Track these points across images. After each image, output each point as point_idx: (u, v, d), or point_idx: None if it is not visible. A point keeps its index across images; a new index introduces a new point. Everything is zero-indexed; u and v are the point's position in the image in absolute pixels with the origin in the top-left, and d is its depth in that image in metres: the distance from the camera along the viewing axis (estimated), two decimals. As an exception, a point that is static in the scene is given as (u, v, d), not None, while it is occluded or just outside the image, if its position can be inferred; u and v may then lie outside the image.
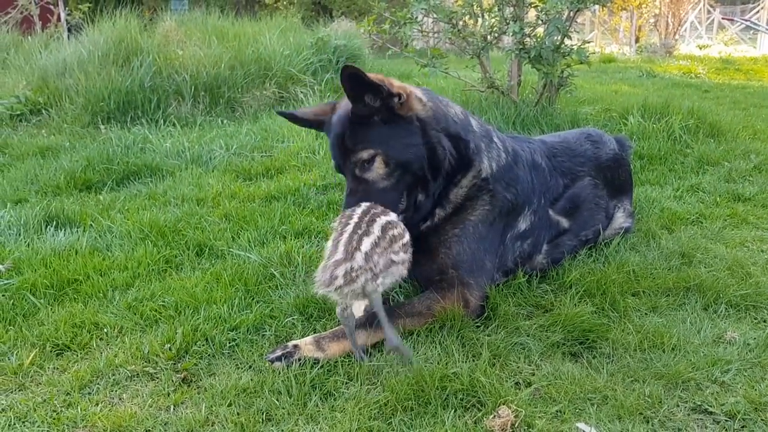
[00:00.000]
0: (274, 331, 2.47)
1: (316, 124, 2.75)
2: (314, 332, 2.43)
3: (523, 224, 2.76)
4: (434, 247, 2.58)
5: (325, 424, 1.94)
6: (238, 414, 1.99)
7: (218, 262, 3.04)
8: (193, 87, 6.46)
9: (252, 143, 5.11)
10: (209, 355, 2.33)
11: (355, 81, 2.32)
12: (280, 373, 2.17)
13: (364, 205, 2.22)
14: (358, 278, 1.99)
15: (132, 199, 4.02)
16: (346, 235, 2.06)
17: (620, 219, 3.20)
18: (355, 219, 2.13)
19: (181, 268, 3.02)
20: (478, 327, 2.43)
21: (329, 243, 2.11)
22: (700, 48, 17.13)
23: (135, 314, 2.60)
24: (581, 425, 1.91)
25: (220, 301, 2.65)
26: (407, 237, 2.17)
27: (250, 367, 2.26)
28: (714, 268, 2.85)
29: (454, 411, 1.96)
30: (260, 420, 1.97)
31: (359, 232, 2.07)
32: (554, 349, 2.30)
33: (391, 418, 1.95)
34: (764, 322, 2.46)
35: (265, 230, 3.38)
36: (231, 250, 3.15)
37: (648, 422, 1.93)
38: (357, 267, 1.99)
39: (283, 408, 2.01)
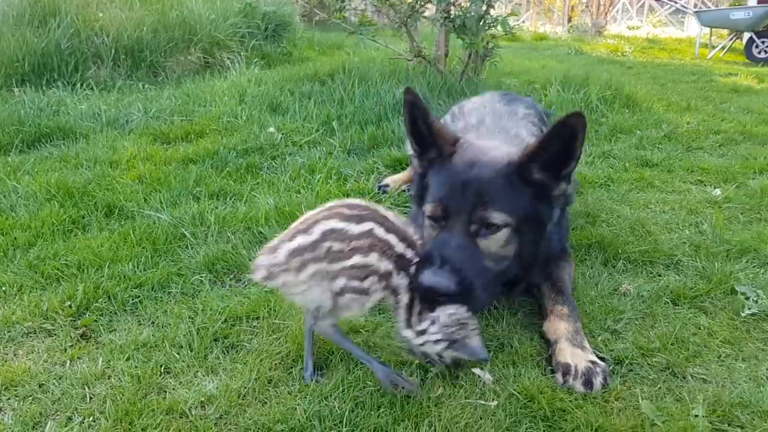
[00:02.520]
0: (181, 288, 2.44)
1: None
2: (222, 289, 2.42)
3: None
4: None
5: (225, 375, 1.94)
6: (136, 367, 1.96)
7: (127, 223, 2.97)
8: (113, 50, 6.22)
9: (172, 107, 4.98)
10: (110, 312, 2.29)
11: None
12: (182, 327, 2.15)
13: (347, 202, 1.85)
14: (277, 277, 1.72)
15: (42, 162, 3.87)
16: (294, 223, 1.79)
17: None
18: (316, 210, 1.81)
19: (88, 229, 2.94)
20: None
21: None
22: (630, 29, 17.53)
23: (36, 273, 2.53)
24: (476, 370, 1.96)
25: (126, 260, 2.60)
26: (358, 260, 1.70)
27: (152, 323, 2.23)
28: (616, 227, 2.96)
29: (351, 360, 1.99)
30: (158, 373, 1.95)
31: (300, 227, 1.76)
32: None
33: (291, 367, 1.97)
34: (659, 276, 2.57)
35: (178, 191, 3.31)
36: (141, 210, 3.07)
37: (539, 367, 2.00)
38: (276, 263, 1.71)
39: (183, 361, 2.00)
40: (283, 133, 4.33)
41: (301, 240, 1.70)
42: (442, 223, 2.06)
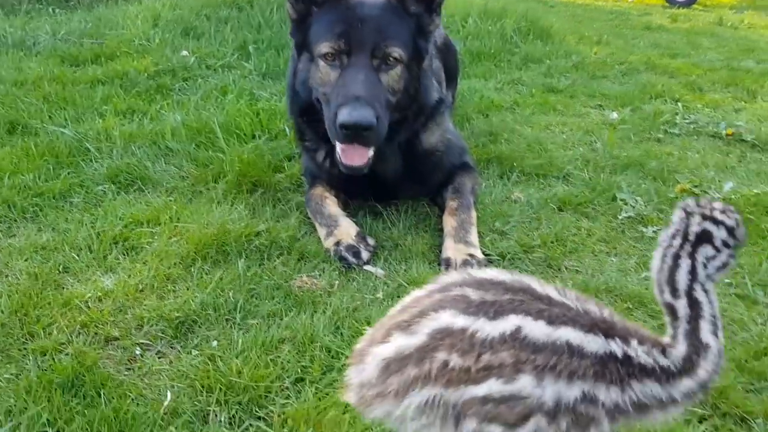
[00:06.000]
0: (83, 198, 2.45)
1: None
2: (126, 197, 2.44)
3: None
4: None
5: (124, 274, 1.99)
6: (34, 267, 1.99)
7: (30, 138, 2.91)
8: (18, -29, 5.92)
9: (82, 30, 4.81)
10: (10, 219, 2.29)
11: None
12: (82, 231, 2.18)
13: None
14: (372, 404, 1.06)
15: (-63, 83, 3.71)
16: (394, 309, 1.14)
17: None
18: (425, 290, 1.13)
19: (-12, 145, 2.88)
20: (289, 189, 2.55)
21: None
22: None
23: (-73, 186, 2.48)
24: (368, 267, 2.07)
25: (27, 171, 2.58)
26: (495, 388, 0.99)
27: (53, 228, 2.24)
28: (515, 145, 3.10)
29: (250, 259, 2.07)
30: (56, 271, 1.99)
31: (399, 318, 1.08)
32: (357, 209, 2.45)
33: (191, 266, 2.03)
34: (549, 186, 2.73)
35: (83, 109, 3.26)
36: (45, 126, 3.02)
37: (429, 264, 2.13)
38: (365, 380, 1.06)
39: (82, 261, 2.04)
40: (197, 57, 4.27)
41: (401, 342, 1.04)
42: (342, 60, 2.12)
